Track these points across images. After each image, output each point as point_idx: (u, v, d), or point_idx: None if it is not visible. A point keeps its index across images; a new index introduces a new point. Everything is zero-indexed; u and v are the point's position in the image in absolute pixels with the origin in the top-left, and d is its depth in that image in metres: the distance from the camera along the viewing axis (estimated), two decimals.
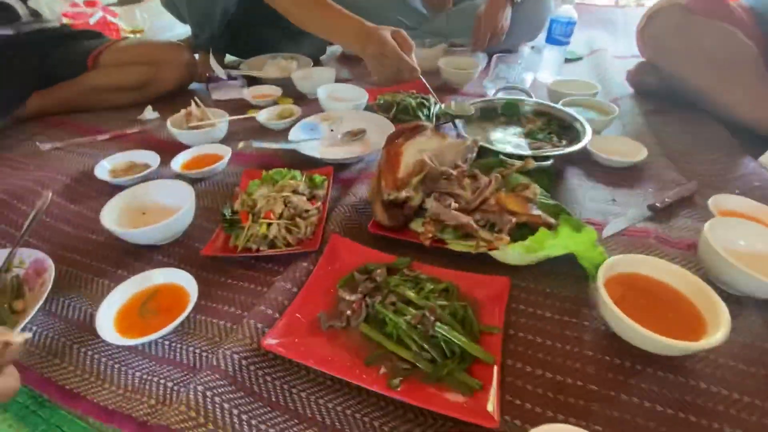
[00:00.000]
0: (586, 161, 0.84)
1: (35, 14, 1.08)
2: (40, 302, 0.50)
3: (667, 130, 0.96)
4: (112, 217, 0.62)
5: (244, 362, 0.45)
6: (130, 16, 1.81)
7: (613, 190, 0.76)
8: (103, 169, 0.80)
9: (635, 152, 0.82)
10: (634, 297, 0.48)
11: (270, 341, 0.46)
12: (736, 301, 0.53)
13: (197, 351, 0.48)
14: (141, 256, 0.62)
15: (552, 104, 0.92)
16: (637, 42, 1.10)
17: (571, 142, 0.81)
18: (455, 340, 0.45)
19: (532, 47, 1.50)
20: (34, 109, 1.09)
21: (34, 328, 0.52)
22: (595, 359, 0.47)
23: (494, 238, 0.56)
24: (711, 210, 0.66)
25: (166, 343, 0.50)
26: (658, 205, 0.69)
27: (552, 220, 0.58)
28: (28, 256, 0.57)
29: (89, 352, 0.49)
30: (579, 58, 1.47)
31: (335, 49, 1.59)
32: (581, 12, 2.00)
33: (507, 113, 0.94)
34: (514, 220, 0.57)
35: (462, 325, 0.48)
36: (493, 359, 0.44)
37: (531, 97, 0.97)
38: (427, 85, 0.97)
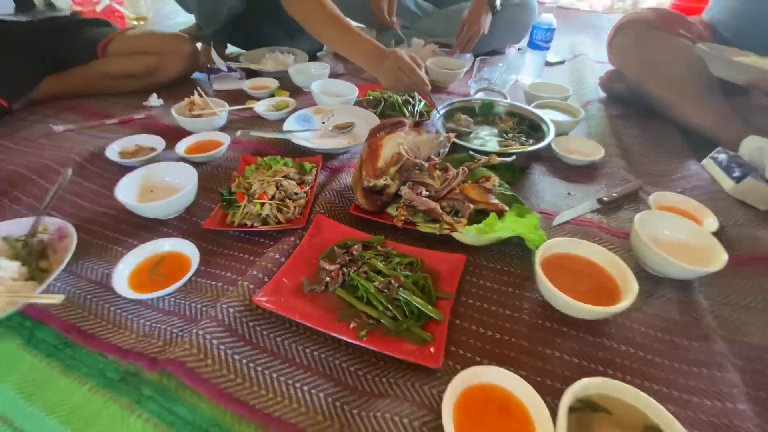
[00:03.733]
0: (551, 158, 0.93)
1: (49, 3, 1.15)
2: (64, 263, 0.59)
3: (628, 132, 1.06)
4: (125, 192, 0.71)
5: (237, 315, 0.54)
6: (134, 4, 1.87)
7: (570, 185, 0.85)
8: (113, 151, 0.88)
9: (594, 152, 0.92)
10: (565, 272, 0.58)
11: (260, 298, 0.55)
12: (657, 281, 0.63)
13: (198, 306, 0.58)
14: (149, 228, 0.71)
15: (523, 106, 1.01)
16: (607, 51, 1.18)
17: (537, 141, 0.90)
18: (414, 303, 0.55)
19: (519, 49, 1.59)
20: (45, 92, 1.16)
21: (59, 284, 0.60)
22: (529, 322, 0.56)
23: (454, 221, 0.65)
24: (650, 205, 0.76)
25: (172, 299, 0.59)
26: (605, 199, 0.79)
27: (506, 208, 0.67)
28: (52, 223, 0.65)
29: (106, 305, 0.58)
30: (561, 62, 1.56)
31: None
32: (568, 17, 2.10)
33: (483, 113, 1.02)
34: (472, 206, 0.67)
35: (422, 291, 0.58)
36: (443, 318, 0.54)
37: (506, 98, 1.06)
38: (430, 98, 1.03)
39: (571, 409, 0.41)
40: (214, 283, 0.61)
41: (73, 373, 0.50)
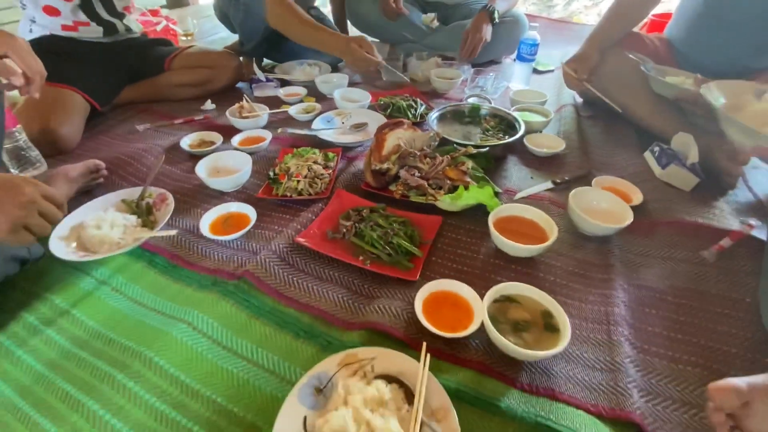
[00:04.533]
0: (523, 151, 1.17)
1: (128, 29, 1.46)
2: (167, 217, 0.87)
3: (592, 131, 1.28)
4: (201, 172, 0.99)
5: (285, 249, 0.81)
6: (183, 22, 2.19)
7: (534, 171, 1.09)
8: (185, 143, 1.17)
9: (556, 146, 1.15)
10: (510, 227, 0.82)
11: (300, 239, 0.81)
12: (586, 237, 0.86)
13: (257, 245, 0.85)
14: (218, 198, 0.99)
15: (502, 108, 1.25)
16: None
17: (511, 137, 1.14)
18: (403, 245, 0.80)
19: (515, 60, 1.81)
20: (125, 98, 1.47)
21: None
22: (482, 260, 0.81)
23: (435, 193, 0.90)
24: (593, 185, 0.99)
25: (239, 241, 0.86)
26: (558, 181, 1.02)
27: (473, 183, 0.92)
28: (155, 191, 0.94)
29: (196, 243, 0.85)
30: (550, 70, 1.78)
31: None
32: (561, 29, 2.31)
33: (471, 115, 1.27)
34: (449, 183, 0.92)
35: (410, 239, 0.83)
36: (422, 254, 0.79)
37: (490, 103, 1.30)
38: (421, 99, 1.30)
39: (495, 301, 0.66)
40: (266, 231, 0.88)
41: (180, 282, 0.77)
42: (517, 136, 1.11)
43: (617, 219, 0.84)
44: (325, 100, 1.50)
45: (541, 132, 1.25)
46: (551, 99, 1.45)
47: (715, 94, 0.98)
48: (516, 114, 1.22)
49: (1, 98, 0.79)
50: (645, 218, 0.90)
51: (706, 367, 0.62)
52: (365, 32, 1.89)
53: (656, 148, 1.07)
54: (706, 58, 1.18)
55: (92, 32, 1.35)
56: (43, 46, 1.25)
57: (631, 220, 0.83)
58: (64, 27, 1.31)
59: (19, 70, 0.74)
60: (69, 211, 0.85)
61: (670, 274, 0.78)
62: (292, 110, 1.37)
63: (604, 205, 0.89)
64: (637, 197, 0.96)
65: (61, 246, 0.78)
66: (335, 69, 1.75)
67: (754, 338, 0.66)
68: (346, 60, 1.36)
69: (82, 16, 1.31)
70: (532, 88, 1.50)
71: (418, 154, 0.99)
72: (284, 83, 1.61)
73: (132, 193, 0.94)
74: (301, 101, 1.49)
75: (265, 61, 1.86)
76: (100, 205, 0.90)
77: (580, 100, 1.48)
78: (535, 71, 1.76)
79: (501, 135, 1.17)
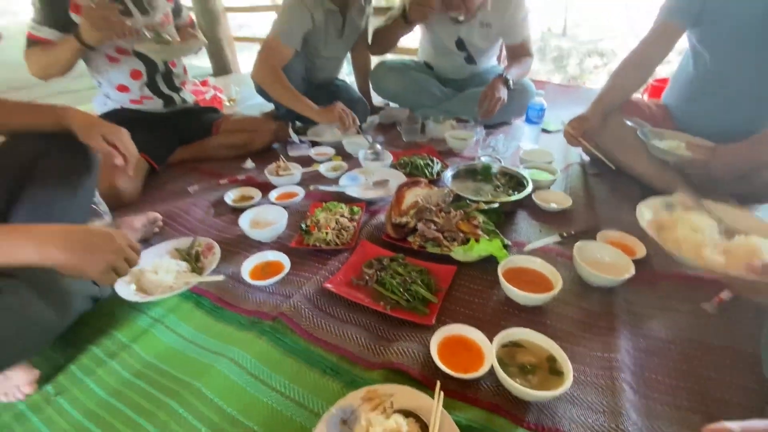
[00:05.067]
0: (532, 206, 1.26)
1: (183, 100, 1.71)
2: (213, 264, 1.00)
3: (598, 188, 1.38)
4: (243, 224, 1.13)
5: (314, 293, 0.91)
6: (227, 90, 2.50)
7: (542, 224, 1.18)
8: (228, 198, 1.33)
9: (564, 202, 1.24)
10: (519, 276, 0.90)
11: (327, 285, 0.92)
12: (591, 288, 0.93)
13: (291, 290, 0.95)
14: (258, 248, 1.12)
15: (511, 167, 1.37)
16: None
17: (520, 194, 1.25)
18: (420, 291, 0.89)
19: (524, 122, 1.97)
20: (178, 158, 1.68)
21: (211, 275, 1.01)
22: (493, 307, 0.88)
23: (450, 245, 1.00)
24: (598, 239, 1.07)
25: (275, 286, 0.97)
26: (565, 234, 1.11)
27: (484, 236, 1.01)
28: (203, 240, 1.07)
29: (238, 287, 0.97)
30: (558, 130, 1.92)
31: (372, 119, 2.14)
32: (569, 92, 2.48)
33: (483, 173, 1.39)
34: (462, 235, 1.02)
35: (427, 286, 0.92)
36: (437, 301, 0.87)
37: (500, 162, 1.42)
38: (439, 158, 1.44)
39: (503, 345, 0.73)
40: (298, 278, 0.99)
41: (223, 322, 0.88)
42: (525, 193, 1.22)
43: (620, 271, 0.91)
44: (351, 159, 1.67)
45: (549, 189, 1.35)
46: (559, 157, 1.56)
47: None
48: (525, 172, 1.33)
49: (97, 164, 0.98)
50: (648, 271, 0.96)
51: (706, 413, 0.66)
52: (388, 99, 2.11)
53: None
54: (701, 124, 1.28)
55: (154, 105, 1.59)
56: (116, 117, 1.49)
57: (633, 272, 0.89)
58: (132, 101, 1.55)
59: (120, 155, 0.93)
60: None
61: (672, 325, 0.83)
62: (322, 168, 1.53)
63: (608, 258, 0.97)
64: (641, 251, 1.02)
65: (124, 288, 0.91)
66: (360, 130, 1.94)
67: (755, 388, 0.70)
68: (321, 119, 1.66)
69: (147, 92, 1.56)
70: (542, 147, 1.63)
71: (434, 209, 1.11)
72: (315, 144, 1.80)
73: (184, 242, 1.08)
74: (330, 160, 1.66)
75: (298, 123, 2.09)
76: (157, 252, 1.04)
77: (587, 158, 1.59)
78: (544, 131, 1.90)
79: (511, 192, 1.28)
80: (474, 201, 1.16)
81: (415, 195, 1.14)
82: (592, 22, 5.98)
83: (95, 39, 1.24)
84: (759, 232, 0.86)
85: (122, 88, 1.52)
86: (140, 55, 1.47)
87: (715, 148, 1.16)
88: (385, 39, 1.87)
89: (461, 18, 1.73)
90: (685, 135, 1.26)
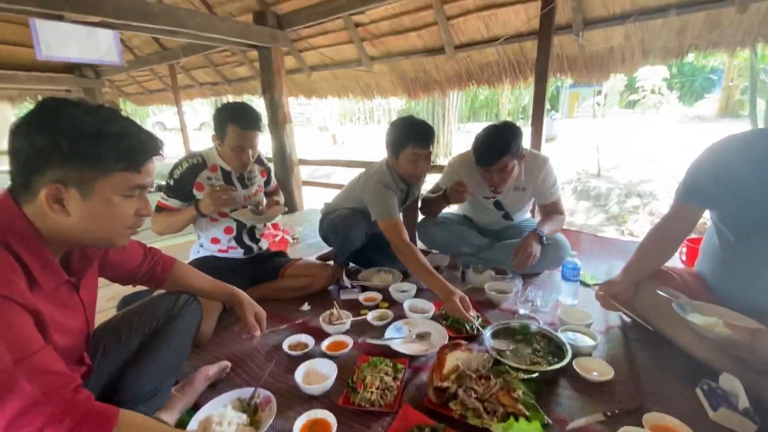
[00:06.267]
0: (573, 374, 1.28)
1: (260, 248, 2.03)
2: (270, 419, 1.10)
3: (641, 355, 1.37)
4: (299, 378, 1.26)
5: None
6: (292, 231, 2.90)
7: (584, 397, 1.18)
8: (285, 345, 1.49)
9: (606, 372, 1.25)
10: None
11: None
12: None
13: None
14: (309, 400, 1.22)
15: (550, 330, 1.43)
16: None
17: (560, 360, 1.29)
18: None
19: (567, 279, 2.06)
20: None
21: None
22: None
23: (490, 419, 1.04)
24: (644, 423, 1.05)
25: None
26: (609, 414, 1.10)
27: (525, 413, 1.05)
28: (262, 392, 1.20)
29: None
30: (598, 284, 1.97)
31: None
32: (607, 244, 2.59)
33: (522, 332, 1.46)
34: (502, 409, 1.06)
35: None
36: None
37: (539, 323, 1.50)
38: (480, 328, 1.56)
39: None
40: None
41: None
42: (565, 362, 1.26)
43: None
44: (396, 305, 1.82)
45: (590, 355, 1.37)
46: (598, 317, 1.60)
47: None
48: (563, 337, 1.39)
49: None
50: None
51: None
52: (432, 248, 2.34)
53: (705, 386, 1.13)
54: (735, 298, 1.31)
55: (237, 253, 1.92)
56: (205, 263, 1.81)
57: None
58: (220, 250, 1.89)
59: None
60: (198, 407, 1.14)
61: None
62: (370, 316, 1.68)
63: None
64: None
65: None
66: (406, 275, 2.14)
67: None
68: (446, 304, 1.56)
69: (233, 243, 1.90)
70: (581, 302, 1.69)
71: (474, 376, 1.18)
72: (365, 288, 2.00)
73: (245, 392, 1.21)
74: (377, 306, 1.82)
75: (351, 265, 2.34)
76: (222, 402, 1.17)
77: (627, 320, 1.61)
78: (583, 284, 1.97)
79: (551, 357, 1.32)
80: (514, 369, 1.22)
81: (456, 359, 1.23)
82: (628, 165, 6.37)
83: (210, 210, 1.64)
84: None
85: (215, 240, 1.88)
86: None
87: (757, 331, 1.17)
88: (431, 209, 2.19)
89: (497, 196, 2.03)
90: (724, 310, 1.28)
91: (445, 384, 1.16)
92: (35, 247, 0.77)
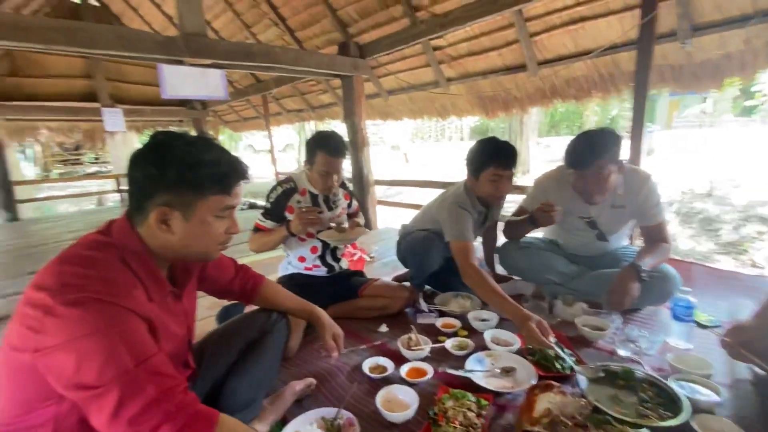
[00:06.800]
0: None
1: (341, 268, 2.12)
2: None
3: None
4: (378, 403, 1.26)
5: None
6: (368, 250, 2.97)
7: None
8: (365, 367, 1.51)
9: None
10: None
11: None
12: None
13: None
14: (388, 426, 1.21)
15: (660, 379, 1.25)
16: None
17: (674, 416, 1.11)
18: None
19: (671, 313, 1.80)
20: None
21: None
22: None
23: None
24: None
25: None
26: None
27: None
28: (345, 414, 1.22)
29: None
30: (717, 326, 1.69)
31: None
32: (726, 278, 2.22)
33: (625, 378, 1.30)
34: None
35: None
36: None
37: (644, 367, 1.32)
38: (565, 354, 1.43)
39: None
40: None
41: None
42: (682, 419, 1.09)
43: None
44: (476, 334, 1.74)
45: (713, 413, 1.17)
46: (721, 367, 1.36)
47: None
48: (678, 387, 1.20)
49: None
50: None
51: None
52: (512, 274, 2.22)
53: None
54: None
55: (320, 271, 2.02)
56: (291, 280, 1.94)
57: None
58: (306, 268, 2.01)
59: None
60: (286, 420, 1.20)
61: None
62: (448, 344, 1.63)
63: None
64: None
65: None
66: (485, 303, 2.05)
67: None
68: (522, 330, 1.47)
69: (318, 262, 2.01)
70: (696, 347, 1.46)
71: (570, 423, 1.07)
72: (442, 313, 1.96)
73: (330, 412, 1.24)
74: (456, 333, 1.76)
75: (426, 287, 2.32)
76: (308, 419, 1.21)
77: (762, 373, 1.34)
78: (699, 325, 1.70)
79: (662, 410, 1.15)
80: (618, 420, 1.08)
81: (548, 402, 1.13)
82: (746, 183, 5.45)
83: (299, 231, 1.78)
84: None
85: (301, 259, 2.00)
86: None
87: None
88: (515, 233, 2.08)
89: (591, 215, 1.86)
90: None
91: (536, 429, 1.07)
92: (147, 263, 0.89)
